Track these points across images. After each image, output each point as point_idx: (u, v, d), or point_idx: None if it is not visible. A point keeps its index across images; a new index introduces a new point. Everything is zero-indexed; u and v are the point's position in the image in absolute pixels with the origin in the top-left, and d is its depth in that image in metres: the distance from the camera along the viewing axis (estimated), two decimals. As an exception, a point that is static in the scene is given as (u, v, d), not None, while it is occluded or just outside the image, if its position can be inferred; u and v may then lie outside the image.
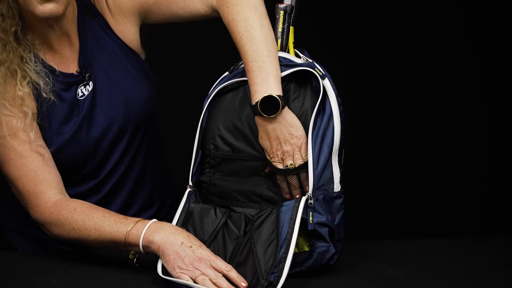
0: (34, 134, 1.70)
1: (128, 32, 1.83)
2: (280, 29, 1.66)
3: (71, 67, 1.78)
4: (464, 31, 3.08)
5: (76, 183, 1.81)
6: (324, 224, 1.57)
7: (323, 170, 1.59)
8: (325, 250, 1.57)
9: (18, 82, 1.69)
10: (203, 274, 1.50)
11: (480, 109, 3.11)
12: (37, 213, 1.69)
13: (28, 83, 1.71)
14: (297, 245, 1.59)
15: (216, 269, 1.51)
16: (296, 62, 1.64)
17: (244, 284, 1.50)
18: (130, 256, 1.62)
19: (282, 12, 1.66)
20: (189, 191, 1.67)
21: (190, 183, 1.68)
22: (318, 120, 1.59)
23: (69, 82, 1.76)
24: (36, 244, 1.88)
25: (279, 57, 1.63)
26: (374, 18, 3.06)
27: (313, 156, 1.57)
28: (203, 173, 1.70)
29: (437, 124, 3.11)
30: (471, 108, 3.10)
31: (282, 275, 1.48)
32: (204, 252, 1.53)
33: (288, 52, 1.68)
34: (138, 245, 1.57)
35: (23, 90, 1.70)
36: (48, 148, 1.73)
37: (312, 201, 1.56)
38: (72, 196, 1.76)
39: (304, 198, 1.56)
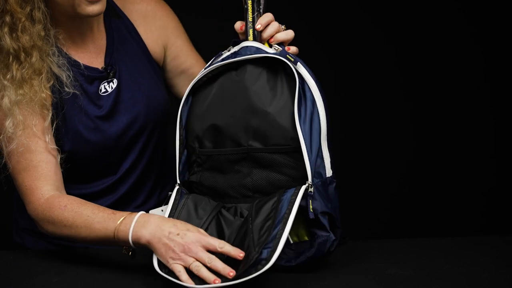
0: (49, 136, 1.72)
1: (154, 43, 1.90)
2: (250, 19, 1.64)
3: (95, 62, 1.82)
4: (468, 30, 3.08)
5: (94, 179, 1.83)
6: (324, 212, 1.56)
7: (317, 157, 1.58)
8: (326, 240, 1.57)
9: (42, 84, 1.71)
10: (197, 259, 1.49)
11: (482, 110, 3.11)
12: (31, 209, 1.70)
13: (50, 85, 1.73)
14: (296, 234, 1.59)
15: (209, 248, 1.50)
16: (265, 51, 1.62)
17: (241, 255, 1.48)
18: (124, 252, 1.61)
19: (250, 2, 1.64)
20: (178, 188, 1.66)
21: (178, 181, 1.68)
22: (302, 108, 1.58)
23: (92, 76, 1.80)
24: (49, 243, 1.88)
25: (250, 46, 1.63)
26: (375, 17, 3.06)
27: (305, 144, 1.56)
28: (192, 173, 1.69)
29: (440, 124, 3.10)
30: (473, 108, 3.10)
31: (276, 250, 1.46)
32: (193, 235, 1.51)
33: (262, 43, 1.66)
34: (128, 241, 1.56)
35: (46, 93, 1.72)
36: (67, 141, 1.76)
37: (312, 189, 1.56)
38: (90, 194, 1.78)
39: (304, 187, 1.55)
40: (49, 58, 1.73)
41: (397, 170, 3.13)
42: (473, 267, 1.63)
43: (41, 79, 1.70)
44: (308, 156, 1.57)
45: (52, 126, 1.73)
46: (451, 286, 1.53)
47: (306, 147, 1.57)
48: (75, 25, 1.78)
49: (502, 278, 1.57)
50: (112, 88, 1.81)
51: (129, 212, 1.59)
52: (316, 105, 1.59)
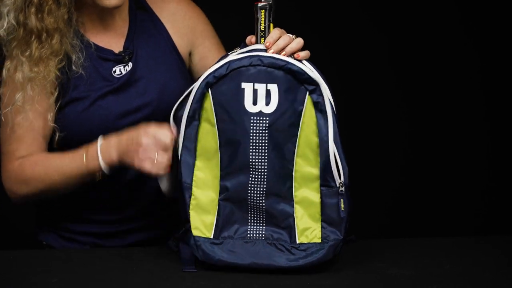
0: (51, 114, 1.78)
1: (180, 39, 1.91)
2: (262, 28, 1.64)
3: (113, 46, 1.85)
4: (464, 31, 3.08)
5: None
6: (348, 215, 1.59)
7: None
8: (338, 243, 1.58)
9: (56, 65, 1.76)
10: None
11: (479, 110, 3.11)
12: (6, 176, 1.79)
13: (61, 66, 1.77)
14: (306, 236, 1.59)
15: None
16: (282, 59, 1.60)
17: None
18: (98, 178, 1.75)
19: (262, 11, 1.63)
20: None
21: None
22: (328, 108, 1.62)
23: (106, 58, 1.83)
24: (56, 236, 1.89)
25: (259, 49, 1.60)
26: (373, 17, 3.06)
27: (335, 142, 1.60)
28: None
29: (439, 123, 3.10)
30: (470, 108, 3.10)
31: None
32: (139, 131, 1.66)
33: None
34: (102, 169, 1.71)
35: (56, 72, 1.77)
36: (70, 114, 1.79)
37: (343, 189, 1.57)
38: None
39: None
40: (66, 39, 1.77)
41: (397, 170, 3.13)
42: (474, 267, 1.63)
43: (57, 60, 1.76)
44: (340, 156, 1.60)
45: (56, 105, 1.78)
46: (452, 286, 1.53)
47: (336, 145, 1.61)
48: (97, 11, 1.81)
49: (503, 278, 1.57)
50: (126, 71, 1.83)
51: (86, 147, 1.73)
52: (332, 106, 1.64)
